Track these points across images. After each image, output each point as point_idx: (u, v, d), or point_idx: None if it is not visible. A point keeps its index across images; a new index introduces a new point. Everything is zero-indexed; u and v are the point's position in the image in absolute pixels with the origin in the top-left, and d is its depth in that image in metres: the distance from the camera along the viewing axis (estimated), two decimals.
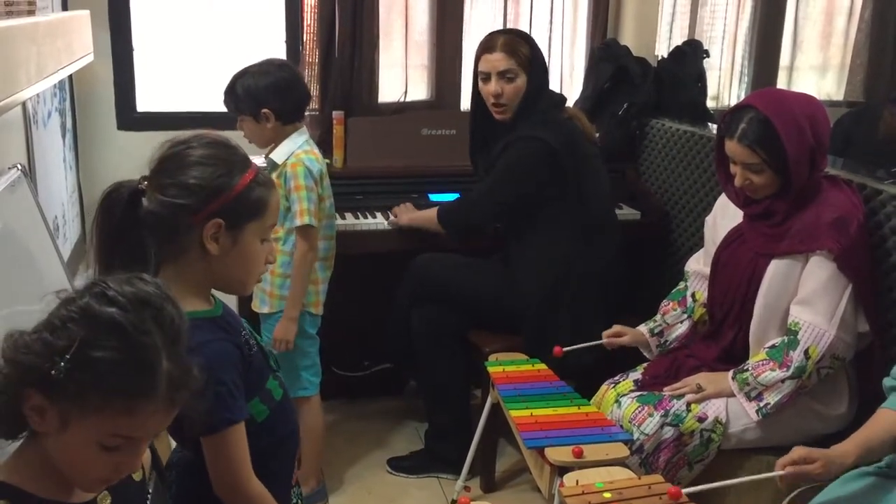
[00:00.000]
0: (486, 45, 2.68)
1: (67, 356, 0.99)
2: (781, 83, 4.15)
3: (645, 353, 2.45)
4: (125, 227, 1.36)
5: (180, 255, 1.39)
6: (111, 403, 1.00)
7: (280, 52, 3.24)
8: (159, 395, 1.03)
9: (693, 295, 2.40)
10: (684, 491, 1.71)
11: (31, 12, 1.92)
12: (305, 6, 3.24)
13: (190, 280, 1.40)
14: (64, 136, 2.75)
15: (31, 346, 1.02)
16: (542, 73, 2.70)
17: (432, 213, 2.81)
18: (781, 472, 1.72)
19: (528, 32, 3.38)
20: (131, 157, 3.08)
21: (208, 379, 1.31)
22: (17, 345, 1.03)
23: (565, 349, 2.39)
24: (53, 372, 0.99)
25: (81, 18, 2.39)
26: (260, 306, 2.49)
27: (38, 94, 2.22)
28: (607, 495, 1.70)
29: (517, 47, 2.64)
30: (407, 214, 2.92)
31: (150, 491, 1.27)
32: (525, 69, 2.63)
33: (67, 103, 2.86)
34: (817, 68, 4.37)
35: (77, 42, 2.21)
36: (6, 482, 1.06)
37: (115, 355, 1.00)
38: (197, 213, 1.35)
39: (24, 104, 2.06)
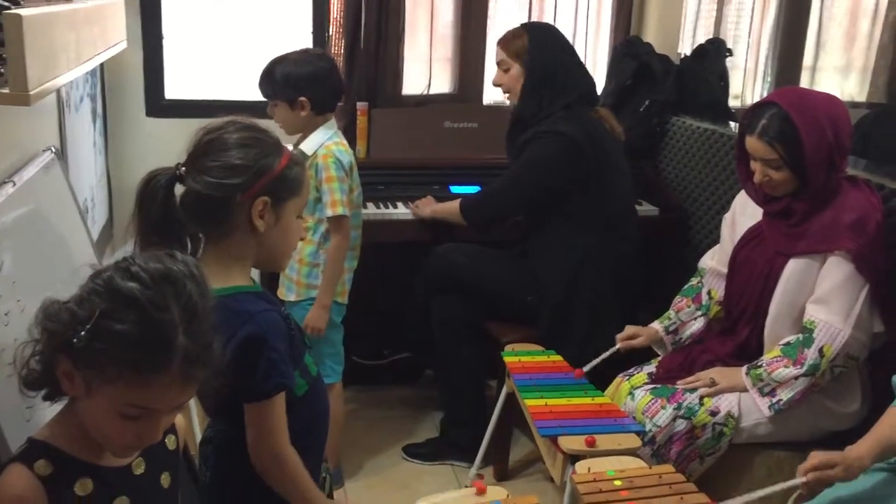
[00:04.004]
0: None
1: (88, 326, 1.05)
2: (804, 83, 4.13)
3: (659, 351, 2.47)
4: (167, 213, 1.42)
5: (226, 235, 1.44)
6: (125, 374, 1.05)
7: (306, 43, 3.27)
8: (173, 370, 1.07)
9: (709, 292, 2.41)
10: None
11: None
12: None
13: (235, 257, 1.46)
14: (94, 121, 2.81)
15: (59, 315, 1.08)
16: (540, 63, 2.70)
17: (455, 205, 2.84)
18: (804, 479, 1.70)
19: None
20: (159, 144, 3.13)
21: (261, 346, 1.36)
22: (47, 313, 1.09)
23: (585, 368, 2.39)
24: (75, 340, 1.05)
25: (115, 5, 2.43)
26: (286, 294, 2.52)
27: (71, 80, 2.26)
28: (618, 483, 1.74)
29: (510, 40, 2.72)
30: (429, 207, 2.96)
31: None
32: (520, 60, 2.70)
33: (98, 89, 2.91)
34: (841, 69, 4.35)
35: (111, 29, 2.25)
36: (47, 442, 1.12)
37: (132, 328, 1.05)
38: (246, 192, 1.41)
39: (58, 89, 2.11)
